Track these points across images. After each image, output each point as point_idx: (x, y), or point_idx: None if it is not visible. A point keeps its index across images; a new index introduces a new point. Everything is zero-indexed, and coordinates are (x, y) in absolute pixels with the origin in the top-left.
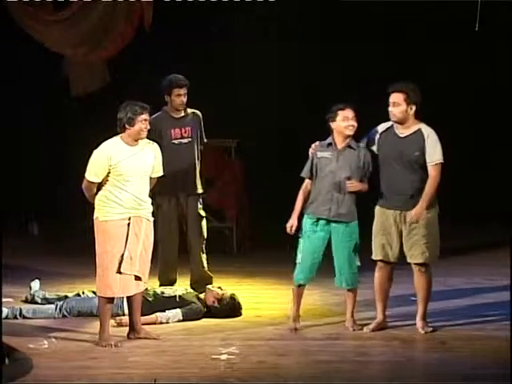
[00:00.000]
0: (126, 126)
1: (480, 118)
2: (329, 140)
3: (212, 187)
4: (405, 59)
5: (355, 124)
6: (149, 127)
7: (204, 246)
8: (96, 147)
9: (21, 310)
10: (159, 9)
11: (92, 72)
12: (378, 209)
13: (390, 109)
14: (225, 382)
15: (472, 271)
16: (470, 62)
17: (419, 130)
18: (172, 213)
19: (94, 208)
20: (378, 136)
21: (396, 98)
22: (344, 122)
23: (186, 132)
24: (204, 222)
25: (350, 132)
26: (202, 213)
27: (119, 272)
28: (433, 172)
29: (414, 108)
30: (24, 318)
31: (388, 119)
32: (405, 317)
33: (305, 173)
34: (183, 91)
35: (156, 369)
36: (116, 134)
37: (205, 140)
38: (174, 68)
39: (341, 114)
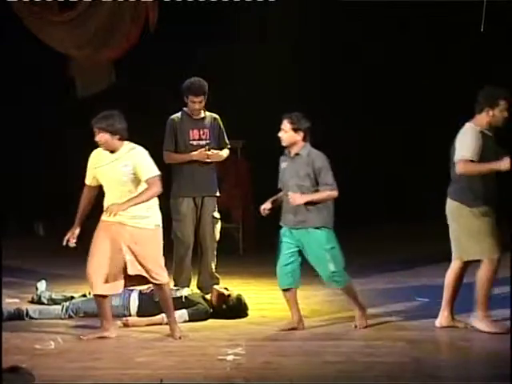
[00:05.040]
0: None
1: None
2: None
3: (219, 188)
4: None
5: (281, 135)
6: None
7: (215, 248)
8: None
9: (27, 310)
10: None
11: (98, 72)
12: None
13: None
14: (231, 383)
15: None
16: None
17: None
18: (189, 213)
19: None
20: None
21: None
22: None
23: (204, 134)
24: (218, 225)
25: (282, 143)
26: (217, 215)
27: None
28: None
29: None
30: (30, 318)
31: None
32: (411, 317)
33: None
34: (198, 99)
35: (162, 369)
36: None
37: (228, 145)
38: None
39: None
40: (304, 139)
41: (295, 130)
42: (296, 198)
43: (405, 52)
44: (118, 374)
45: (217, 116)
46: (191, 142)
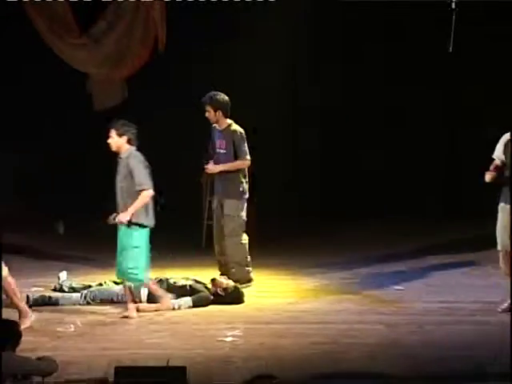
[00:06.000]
0: None
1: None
2: None
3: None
4: None
5: (109, 141)
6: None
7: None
8: None
9: (50, 297)
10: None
11: (112, 89)
12: None
13: None
14: (229, 361)
15: None
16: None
17: None
18: (218, 213)
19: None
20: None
21: None
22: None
23: (222, 144)
24: (233, 224)
25: (111, 148)
26: (231, 213)
27: None
28: None
29: None
30: (53, 304)
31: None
32: (388, 304)
33: None
34: (206, 108)
35: (169, 349)
36: None
37: (245, 158)
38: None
39: None
40: (128, 143)
41: (120, 135)
42: (121, 218)
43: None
44: (130, 354)
45: (238, 129)
46: (217, 150)
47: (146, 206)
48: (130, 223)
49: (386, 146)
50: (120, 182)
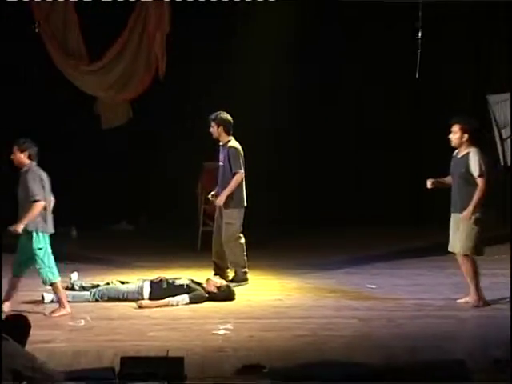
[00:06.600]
0: None
1: None
2: None
3: (208, 197)
4: None
5: (11, 157)
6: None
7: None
8: None
9: None
10: None
11: (118, 110)
12: None
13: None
14: (222, 352)
15: None
16: None
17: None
18: (218, 220)
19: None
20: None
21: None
22: None
23: (221, 158)
24: (232, 230)
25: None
26: (231, 221)
27: None
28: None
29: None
30: None
31: None
32: (362, 300)
33: None
34: (211, 124)
35: (169, 341)
36: None
37: (238, 171)
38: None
39: None
40: (29, 158)
41: (21, 151)
42: (16, 228)
43: None
44: (134, 346)
45: (233, 144)
46: (219, 163)
47: (42, 215)
48: (27, 232)
49: (357, 158)
50: (20, 194)
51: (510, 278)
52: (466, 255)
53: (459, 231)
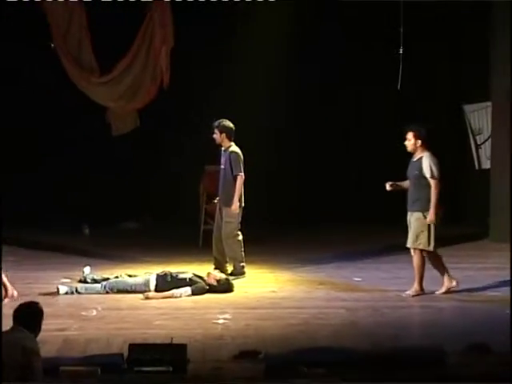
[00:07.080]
0: None
1: None
2: None
3: (212, 200)
4: None
5: None
6: None
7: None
8: None
9: (77, 288)
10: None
11: (127, 118)
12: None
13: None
14: (222, 339)
15: None
16: None
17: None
18: (218, 218)
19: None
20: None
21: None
22: None
23: (223, 162)
24: (230, 227)
25: None
26: (230, 220)
27: None
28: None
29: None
30: (78, 293)
31: None
32: (349, 291)
33: None
34: (215, 131)
35: (173, 330)
36: None
37: (239, 174)
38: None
39: None
40: None
41: None
42: None
43: None
44: (141, 334)
45: (235, 151)
46: (220, 166)
47: None
48: None
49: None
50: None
51: (510, 276)
52: (415, 249)
53: (411, 228)
